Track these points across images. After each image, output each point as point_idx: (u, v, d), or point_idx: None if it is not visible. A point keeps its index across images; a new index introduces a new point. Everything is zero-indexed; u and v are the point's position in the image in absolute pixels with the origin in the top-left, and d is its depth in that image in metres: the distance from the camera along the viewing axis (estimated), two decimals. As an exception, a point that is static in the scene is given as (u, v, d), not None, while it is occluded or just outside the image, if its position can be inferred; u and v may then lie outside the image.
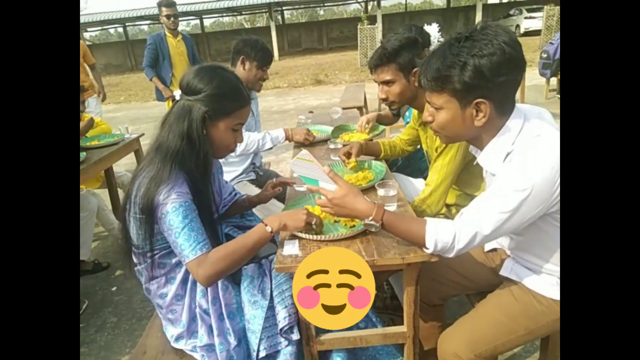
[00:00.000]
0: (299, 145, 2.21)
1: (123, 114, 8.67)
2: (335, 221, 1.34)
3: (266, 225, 1.17)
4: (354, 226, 1.28)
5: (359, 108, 4.01)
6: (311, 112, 3.23)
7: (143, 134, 2.97)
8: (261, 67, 2.11)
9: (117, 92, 12.41)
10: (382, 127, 2.32)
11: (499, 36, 0.95)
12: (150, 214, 1.11)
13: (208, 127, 1.20)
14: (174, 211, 1.08)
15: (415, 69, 1.46)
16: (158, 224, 1.12)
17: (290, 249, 1.18)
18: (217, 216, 1.32)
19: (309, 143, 2.19)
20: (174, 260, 1.22)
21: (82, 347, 1.99)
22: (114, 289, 2.43)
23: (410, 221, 1.09)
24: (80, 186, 2.53)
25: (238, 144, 1.32)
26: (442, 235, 1.01)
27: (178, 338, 1.26)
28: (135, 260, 1.24)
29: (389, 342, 1.30)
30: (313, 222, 1.21)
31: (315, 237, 1.22)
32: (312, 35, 24.37)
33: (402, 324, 1.27)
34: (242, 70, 2.08)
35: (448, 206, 1.64)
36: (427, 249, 1.05)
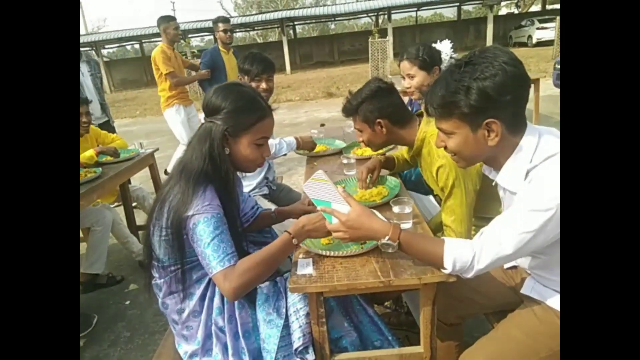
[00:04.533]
0: (312, 160, 2.21)
1: (138, 127, 8.81)
2: None
3: (291, 235, 1.17)
4: (364, 243, 1.26)
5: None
6: (323, 124, 3.22)
7: (158, 149, 3.02)
8: (254, 78, 2.14)
9: (133, 107, 12.66)
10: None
11: (499, 57, 0.95)
12: (179, 228, 1.12)
13: (231, 145, 1.22)
14: (206, 222, 1.10)
15: (378, 120, 1.52)
16: (187, 236, 1.13)
17: (305, 268, 1.17)
18: (241, 229, 1.32)
19: (314, 149, 2.25)
20: (194, 277, 1.23)
21: (95, 362, 1.99)
22: (127, 302, 2.44)
23: (428, 240, 1.07)
24: (97, 200, 2.56)
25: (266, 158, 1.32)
26: (461, 255, 0.99)
27: (192, 355, 1.25)
28: (155, 274, 1.25)
29: (406, 363, 1.27)
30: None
31: (331, 253, 1.21)
32: (323, 49, 24.61)
33: (417, 340, 1.25)
34: None
35: None
36: (445, 269, 1.03)
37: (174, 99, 4.13)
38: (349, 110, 1.58)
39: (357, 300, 1.39)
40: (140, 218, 3.10)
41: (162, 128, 8.63)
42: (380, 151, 2.13)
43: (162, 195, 1.20)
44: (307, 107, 9.50)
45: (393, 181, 1.71)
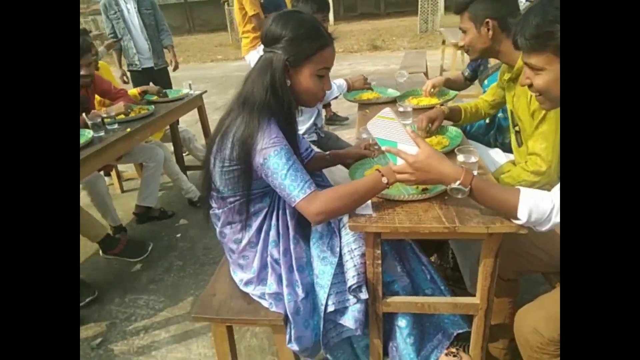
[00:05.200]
0: (363, 107, 2.15)
1: (181, 74, 8.90)
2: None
3: (382, 175, 1.13)
4: (427, 190, 1.22)
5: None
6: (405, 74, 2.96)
7: (206, 91, 3.03)
8: (316, 12, 2.04)
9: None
10: (452, 92, 2.19)
11: None
12: (246, 160, 1.12)
13: (292, 76, 1.18)
14: (277, 154, 1.09)
15: (487, 20, 1.43)
16: (259, 171, 1.13)
17: (364, 208, 1.15)
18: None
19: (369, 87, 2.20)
20: (252, 209, 1.24)
21: (151, 284, 2.14)
22: (178, 235, 2.57)
23: (502, 188, 1.02)
24: (149, 138, 2.64)
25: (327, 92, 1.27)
26: (538, 206, 0.94)
27: (247, 283, 1.30)
28: (213, 204, 1.28)
29: (459, 312, 1.27)
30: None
31: (390, 196, 1.18)
32: (369, 0, 23.38)
33: (462, 296, 1.23)
34: None
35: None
36: (518, 220, 0.98)
37: (258, 41, 3.75)
38: (460, 5, 1.51)
39: (411, 247, 1.38)
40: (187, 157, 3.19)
41: (205, 74, 8.70)
42: (437, 102, 2.03)
43: (224, 128, 1.19)
44: (351, 60, 9.19)
45: (454, 131, 1.63)
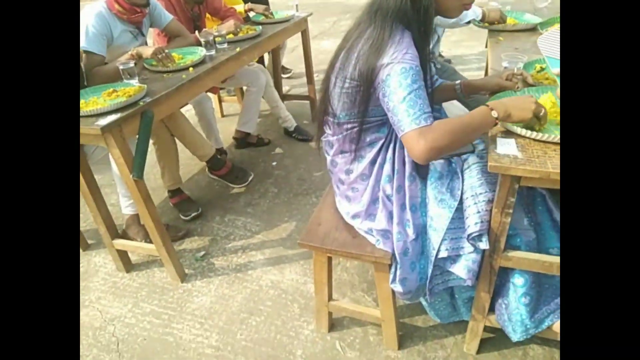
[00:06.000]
0: (495, 34, 1.85)
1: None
2: (559, 122, 1.07)
3: (492, 109, 0.97)
4: None
5: None
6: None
7: (312, 13, 2.86)
8: None
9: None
10: None
11: None
12: (369, 79, 0.99)
13: None
14: (404, 72, 0.94)
15: None
16: (378, 89, 1.00)
17: (506, 147, 0.98)
18: (430, 91, 1.15)
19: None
20: (368, 139, 1.14)
21: (248, 207, 2.22)
22: (274, 163, 2.60)
23: None
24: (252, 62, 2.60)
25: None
26: None
27: (355, 216, 1.24)
28: (327, 130, 1.19)
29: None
30: (541, 114, 0.97)
31: (535, 135, 0.98)
32: None
33: None
34: None
35: None
36: None
37: None
38: None
39: (543, 199, 1.19)
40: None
41: (307, 0, 8.42)
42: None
43: (350, 42, 1.06)
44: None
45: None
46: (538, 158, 0.92)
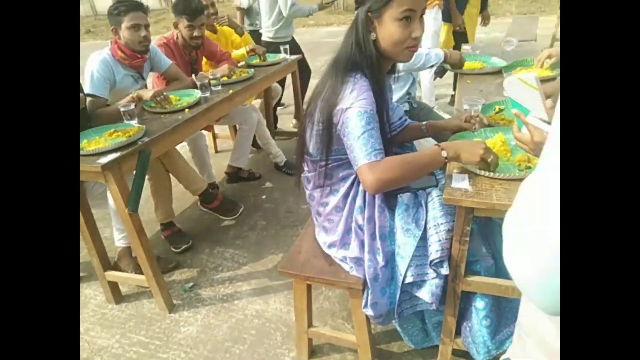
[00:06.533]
0: (464, 77, 2.02)
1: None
2: (508, 159, 1.21)
3: (442, 149, 1.10)
4: (529, 167, 1.13)
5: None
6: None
7: (301, 56, 3.08)
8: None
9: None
10: None
11: None
12: (330, 122, 1.14)
13: (377, 29, 1.15)
14: (359, 115, 1.09)
15: None
16: (338, 129, 1.15)
17: (460, 182, 1.10)
18: (390, 136, 1.30)
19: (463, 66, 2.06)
20: (340, 174, 1.27)
21: (237, 240, 2.31)
22: (264, 197, 2.72)
23: None
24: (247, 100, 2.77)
25: (421, 41, 1.20)
26: None
27: (331, 245, 1.34)
28: (305, 167, 1.32)
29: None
30: (489, 159, 1.10)
31: (487, 174, 1.11)
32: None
33: None
34: None
35: None
36: None
37: (436, 0, 3.32)
38: None
39: (500, 228, 1.30)
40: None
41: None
42: (549, 74, 1.82)
43: (316, 90, 1.22)
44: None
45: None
46: (486, 191, 1.05)
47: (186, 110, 1.95)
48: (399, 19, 1.11)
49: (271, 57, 2.85)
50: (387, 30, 1.13)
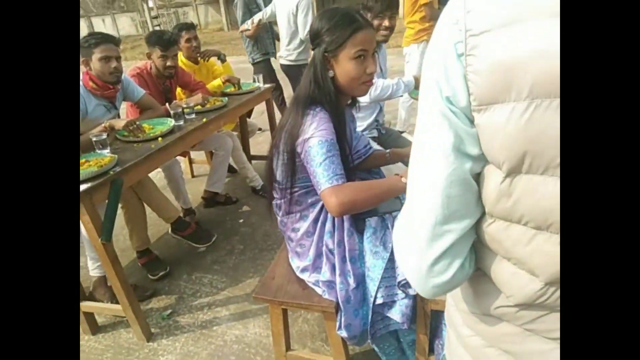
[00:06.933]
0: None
1: (248, 66, 9.25)
2: None
3: (402, 177, 1.18)
4: None
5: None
6: None
7: (274, 85, 3.16)
8: (377, 15, 2.03)
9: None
10: None
11: None
12: (294, 152, 1.21)
13: (334, 67, 1.24)
14: (319, 144, 1.16)
15: None
16: (302, 159, 1.21)
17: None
18: (352, 165, 1.37)
19: None
20: (309, 200, 1.32)
21: (214, 265, 2.32)
22: (241, 220, 2.74)
23: None
24: (222, 127, 2.82)
25: (375, 77, 1.29)
26: None
27: (303, 270, 1.39)
28: (275, 195, 1.37)
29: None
30: None
31: None
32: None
33: None
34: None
35: None
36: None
37: (425, 35, 3.40)
38: None
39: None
40: (254, 149, 3.36)
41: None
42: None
43: (280, 124, 1.30)
44: (417, 54, 8.95)
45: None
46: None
47: (159, 139, 1.98)
48: (354, 58, 1.21)
49: (246, 86, 2.92)
50: (344, 68, 1.22)
